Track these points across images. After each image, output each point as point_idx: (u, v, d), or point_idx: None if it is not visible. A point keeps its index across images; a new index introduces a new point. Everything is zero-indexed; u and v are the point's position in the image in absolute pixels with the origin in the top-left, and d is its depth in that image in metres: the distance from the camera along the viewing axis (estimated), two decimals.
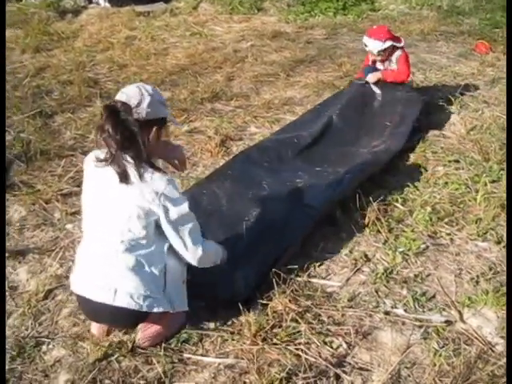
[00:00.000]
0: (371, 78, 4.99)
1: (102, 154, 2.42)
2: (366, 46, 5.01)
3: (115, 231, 2.41)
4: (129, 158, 2.36)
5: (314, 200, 3.55)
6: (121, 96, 2.40)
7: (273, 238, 3.21)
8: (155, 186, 2.36)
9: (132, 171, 2.36)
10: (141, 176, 2.35)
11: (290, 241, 3.24)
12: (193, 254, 2.51)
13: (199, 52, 7.41)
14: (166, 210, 2.39)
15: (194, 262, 2.55)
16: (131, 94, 2.37)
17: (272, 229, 3.27)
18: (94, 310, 2.52)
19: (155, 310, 2.45)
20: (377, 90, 4.99)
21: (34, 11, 9.07)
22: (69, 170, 4.21)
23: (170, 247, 2.50)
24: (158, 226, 2.45)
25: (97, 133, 2.43)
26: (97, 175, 2.47)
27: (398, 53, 5.04)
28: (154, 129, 2.44)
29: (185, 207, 2.44)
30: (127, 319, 2.53)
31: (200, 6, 9.85)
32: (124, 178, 2.36)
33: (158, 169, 2.44)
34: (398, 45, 5.03)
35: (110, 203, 2.43)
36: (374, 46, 4.93)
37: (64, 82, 6.19)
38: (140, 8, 9.61)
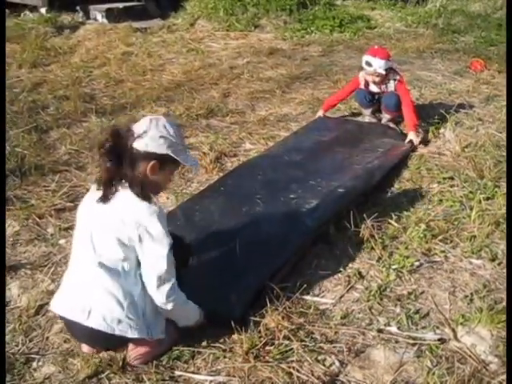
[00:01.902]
0: (417, 140, 4.92)
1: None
2: (369, 65, 4.97)
3: (95, 253, 2.40)
4: (119, 182, 2.38)
5: (309, 218, 3.56)
6: (134, 124, 2.45)
7: (267, 255, 3.20)
8: (138, 214, 2.34)
9: (119, 195, 2.38)
10: (126, 201, 2.36)
11: (284, 259, 3.22)
12: (156, 296, 2.43)
13: (195, 68, 7.44)
14: (142, 242, 2.35)
15: (158, 304, 2.47)
16: (141, 123, 2.41)
17: (266, 246, 3.27)
18: (73, 330, 2.53)
19: (129, 335, 2.39)
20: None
21: (32, 26, 9.12)
22: (63, 185, 4.19)
23: None
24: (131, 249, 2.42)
25: (97, 152, 2.46)
26: (89, 200, 2.50)
27: (396, 77, 5.09)
28: (152, 163, 2.39)
29: (163, 248, 2.37)
30: (105, 341, 2.51)
31: (197, 22, 9.91)
32: (107, 198, 2.38)
33: (147, 198, 2.40)
34: (394, 67, 5.11)
35: (93, 225, 2.44)
36: (379, 64, 4.92)
37: (60, 97, 6.20)
38: (137, 24, 9.67)
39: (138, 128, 2.39)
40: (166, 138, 2.40)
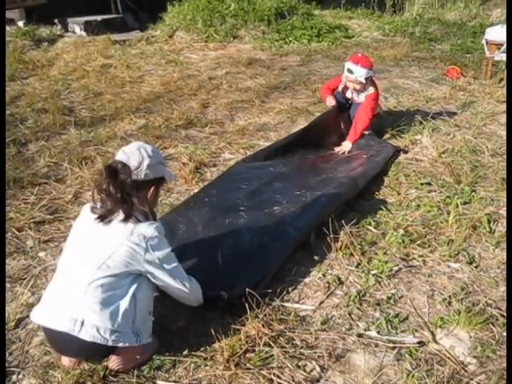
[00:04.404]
0: (345, 150, 5.00)
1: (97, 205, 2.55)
2: (351, 73, 4.99)
3: (92, 266, 2.42)
4: (121, 214, 2.44)
5: (292, 228, 3.56)
6: (121, 156, 2.52)
7: (250, 267, 3.20)
8: (144, 230, 2.43)
9: (120, 218, 2.45)
10: (129, 221, 2.45)
11: (266, 270, 3.22)
12: (183, 288, 2.59)
13: (174, 79, 7.47)
14: (153, 252, 2.45)
15: (184, 296, 2.66)
16: (131, 156, 2.49)
17: (249, 258, 3.27)
18: (59, 342, 2.50)
19: (121, 344, 2.42)
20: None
21: (10, 40, 9.09)
22: (42, 197, 4.17)
23: (140, 280, 2.50)
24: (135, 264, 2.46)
25: (95, 190, 2.54)
26: (85, 221, 2.56)
27: (370, 90, 5.11)
28: (153, 188, 2.59)
29: (169, 250, 2.53)
30: (93, 352, 2.50)
31: (176, 34, 9.95)
32: (107, 221, 2.46)
33: (149, 216, 2.54)
34: (373, 75, 5.15)
35: (94, 239, 2.48)
36: (361, 73, 4.95)
37: (39, 110, 6.18)
38: (116, 36, 9.70)
39: (130, 161, 2.48)
40: (159, 162, 2.58)
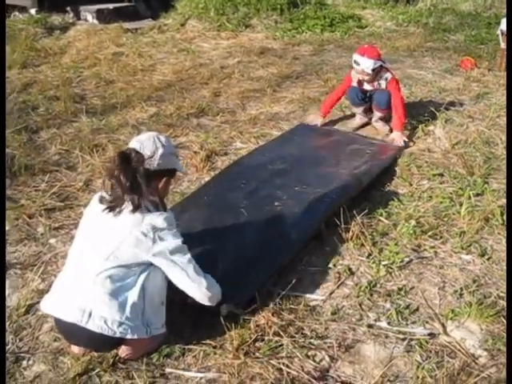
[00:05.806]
0: (400, 140, 4.91)
1: (106, 195, 2.52)
2: (357, 64, 4.94)
3: (101, 256, 2.41)
4: (130, 204, 2.42)
5: (293, 228, 3.49)
6: (135, 144, 2.50)
7: (254, 269, 3.12)
8: (153, 220, 2.41)
9: (129, 208, 2.43)
10: (138, 211, 2.42)
11: (267, 271, 3.14)
12: (198, 284, 2.51)
13: (186, 68, 7.45)
14: (162, 243, 2.42)
15: (199, 294, 2.55)
16: (145, 145, 2.48)
17: (253, 261, 3.19)
18: (68, 332, 2.50)
19: (129, 336, 2.40)
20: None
21: (22, 27, 9.09)
22: (53, 185, 4.18)
23: (149, 271, 2.48)
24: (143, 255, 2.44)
25: (106, 176, 2.54)
26: (94, 212, 2.54)
27: (387, 76, 5.05)
28: (164, 179, 2.58)
29: (179, 241, 2.48)
30: (102, 343, 2.49)
31: (188, 22, 9.91)
32: (117, 212, 2.44)
33: (159, 206, 2.53)
34: (384, 64, 5.08)
35: (103, 230, 2.47)
36: (367, 64, 4.89)
37: (50, 97, 6.18)
38: (128, 25, 9.69)
39: (145, 149, 2.47)
40: (172, 154, 2.58)
